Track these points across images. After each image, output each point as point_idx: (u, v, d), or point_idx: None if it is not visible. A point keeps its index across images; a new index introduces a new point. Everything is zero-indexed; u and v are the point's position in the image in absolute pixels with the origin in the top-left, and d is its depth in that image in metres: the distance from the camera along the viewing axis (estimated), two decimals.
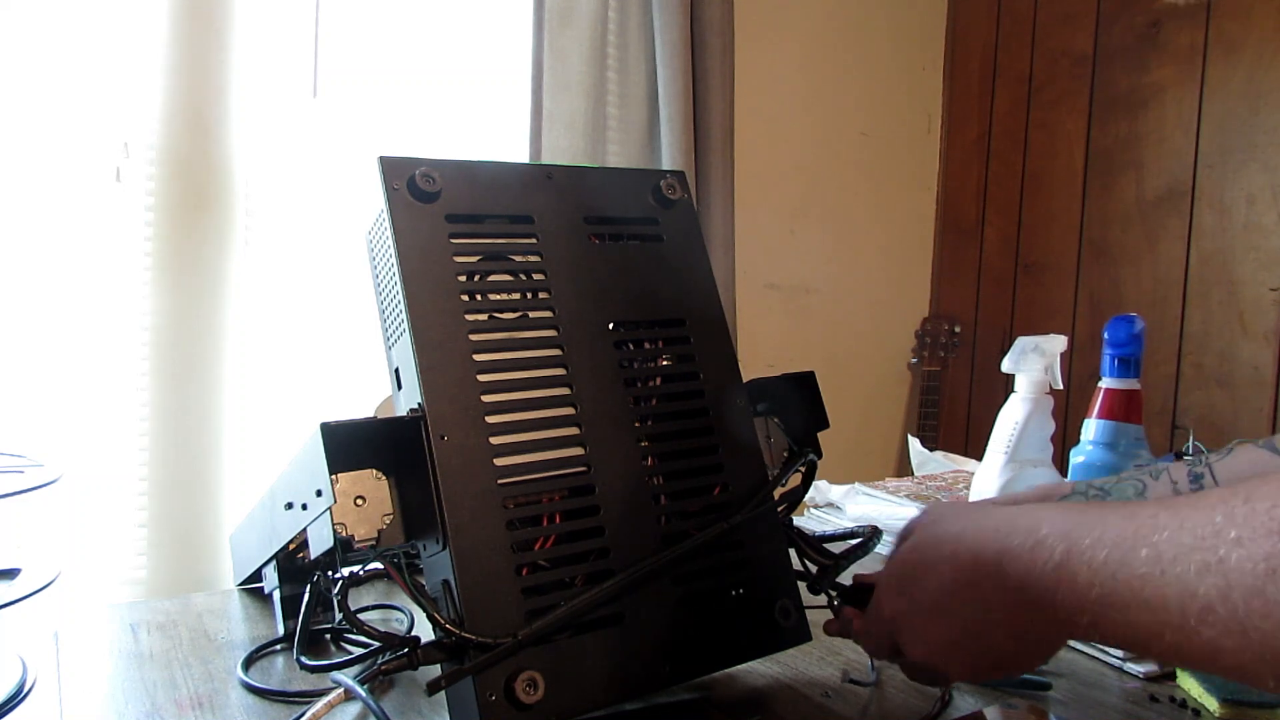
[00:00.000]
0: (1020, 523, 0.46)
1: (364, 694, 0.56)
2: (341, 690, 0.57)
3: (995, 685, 0.67)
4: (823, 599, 0.65)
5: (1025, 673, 0.52)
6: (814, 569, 0.67)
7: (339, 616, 0.76)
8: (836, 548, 0.67)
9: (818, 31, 2.40)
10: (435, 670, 0.55)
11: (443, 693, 0.53)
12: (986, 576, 0.47)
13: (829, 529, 0.71)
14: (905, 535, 0.58)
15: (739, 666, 0.65)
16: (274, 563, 0.74)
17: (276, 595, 0.75)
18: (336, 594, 0.52)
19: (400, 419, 0.56)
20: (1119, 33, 2.23)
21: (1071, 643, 0.75)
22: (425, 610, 0.53)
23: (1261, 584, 0.33)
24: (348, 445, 0.53)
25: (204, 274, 1.60)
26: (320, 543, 0.54)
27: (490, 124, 1.93)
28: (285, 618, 0.74)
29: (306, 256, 1.74)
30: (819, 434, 0.74)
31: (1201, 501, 0.37)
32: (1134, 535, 0.39)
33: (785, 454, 0.71)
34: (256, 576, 0.79)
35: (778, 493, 0.68)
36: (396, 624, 0.79)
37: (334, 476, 0.52)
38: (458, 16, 1.89)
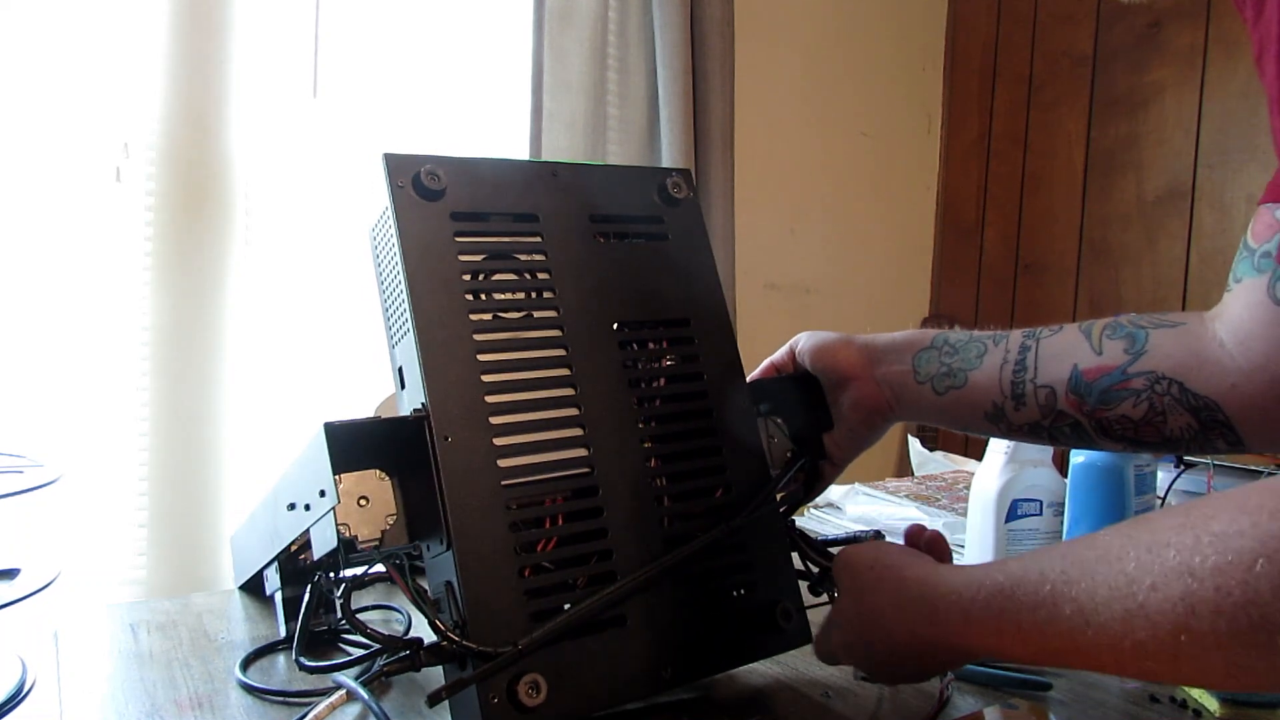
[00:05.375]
0: (940, 588, 0.52)
1: (366, 696, 0.56)
2: (344, 691, 0.57)
3: (996, 686, 0.67)
4: (824, 599, 0.65)
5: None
6: (815, 570, 0.67)
7: (338, 617, 0.76)
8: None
9: (818, 31, 2.40)
10: (437, 670, 0.55)
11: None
12: (915, 640, 0.53)
13: (829, 529, 0.71)
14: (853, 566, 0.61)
15: (739, 667, 0.65)
16: (276, 564, 0.74)
17: (278, 597, 0.75)
18: (339, 596, 0.52)
19: (404, 419, 0.56)
20: (1119, 33, 2.23)
21: None
22: (427, 616, 0.52)
23: (1185, 620, 0.38)
24: (351, 445, 0.53)
25: (204, 274, 1.60)
26: (323, 544, 0.54)
27: (490, 124, 1.92)
28: (287, 619, 0.74)
29: (306, 256, 1.74)
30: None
31: (1106, 553, 0.42)
32: (1053, 597, 0.44)
33: (788, 455, 0.71)
34: (258, 578, 0.79)
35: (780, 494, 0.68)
36: (397, 625, 0.79)
37: (337, 477, 0.52)
38: (458, 16, 1.89)
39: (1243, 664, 0.37)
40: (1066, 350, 0.67)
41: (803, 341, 0.76)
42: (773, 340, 0.79)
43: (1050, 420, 0.67)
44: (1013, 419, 0.69)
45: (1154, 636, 0.39)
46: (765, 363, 0.77)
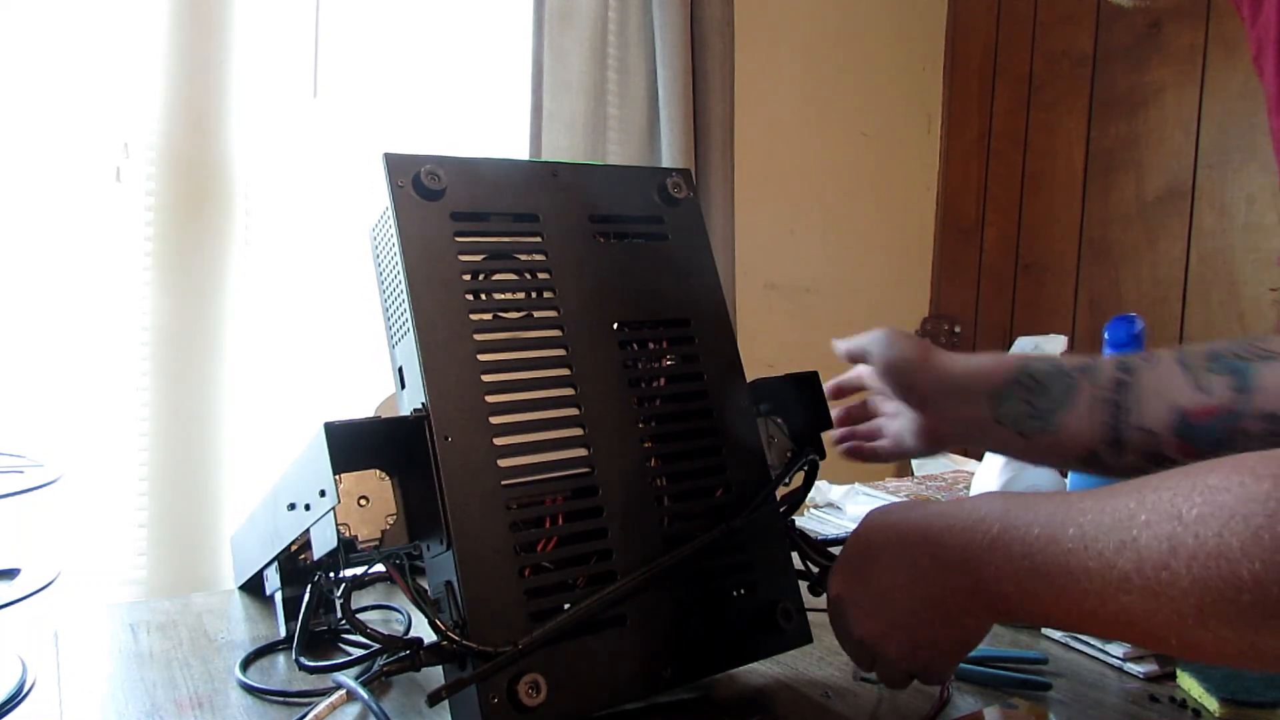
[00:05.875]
0: (964, 507, 0.52)
1: (366, 695, 0.56)
2: (344, 691, 0.57)
3: (996, 686, 0.67)
4: (823, 600, 0.65)
5: (952, 668, 0.57)
6: (815, 570, 0.67)
7: (338, 617, 0.76)
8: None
9: (818, 31, 2.40)
10: (438, 670, 0.55)
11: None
12: (927, 551, 0.52)
13: (829, 529, 0.71)
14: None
15: (739, 667, 0.66)
16: (276, 564, 0.74)
17: (279, 597, 0.75)
18: (339, 596, 0.52)
19: (404, 419, 0.56)
20: (1119, 33, 2.23)
21: (1072, 643, 0.75)
22: (427, 615, 0.52)
23: (1166, 559, 0.40)
24: (351, 445, 0.53)
25: (204, 274, 1.60)
26: (323, 544, 0.54)
27: (490, 124, 1.92)
28: (287, 619, 0.74)
29: (307, 256, 1.74)
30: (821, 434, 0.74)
31: (1120, 491, 0.44)
32: (1063, 517, 0.46)
33: (788, 454, 0.71)
34: (258, 578, 0.79)
35: (780, 493, 0.68)
36: (397, 625, 0.79)
37: (337, 477, 0.52)
38: (458, 16, 1.89)
39: (1212, 614, 0.39)
40: (1166, 388, 0.61)
41: (879, 348, 0.72)
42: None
43: (1156, 466, 0.64)
44: (1111, 464, 0.64)
45: (1138, 570, 0.41)
46: (848, 343, 0.74)
